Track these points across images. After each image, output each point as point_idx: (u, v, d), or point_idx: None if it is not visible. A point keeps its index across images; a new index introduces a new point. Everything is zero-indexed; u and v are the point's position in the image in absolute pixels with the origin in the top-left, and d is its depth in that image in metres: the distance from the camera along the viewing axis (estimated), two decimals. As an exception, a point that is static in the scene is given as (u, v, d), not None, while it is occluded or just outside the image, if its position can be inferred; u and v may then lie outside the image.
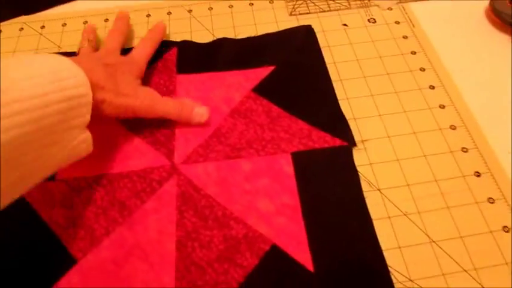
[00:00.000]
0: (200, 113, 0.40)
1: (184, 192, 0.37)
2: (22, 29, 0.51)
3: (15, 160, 0.27)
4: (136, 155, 0.40)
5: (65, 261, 0.34)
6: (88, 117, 0.32)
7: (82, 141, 0.33)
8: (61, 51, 0.49)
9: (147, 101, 0.38)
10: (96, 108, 0.34)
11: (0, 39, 0.50)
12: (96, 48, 0.46)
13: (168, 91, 0.44)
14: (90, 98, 0.32)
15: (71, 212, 0.37)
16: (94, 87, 0.33)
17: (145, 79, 0.45)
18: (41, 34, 0.50)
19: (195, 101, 0.42)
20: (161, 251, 0.34)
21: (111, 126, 0.42)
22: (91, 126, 0.33)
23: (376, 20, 0.50)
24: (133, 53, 0.43)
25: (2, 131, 0.25)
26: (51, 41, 0.50)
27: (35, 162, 0.29)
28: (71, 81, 0.30)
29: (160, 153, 0.40)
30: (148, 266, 0.33)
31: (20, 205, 0.37)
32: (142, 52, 0.43)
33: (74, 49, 0.48)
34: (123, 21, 0.47)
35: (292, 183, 0.37)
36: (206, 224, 0.35)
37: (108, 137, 0.41)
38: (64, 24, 0.51)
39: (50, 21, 0.52)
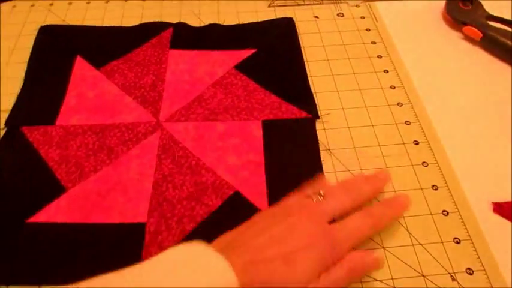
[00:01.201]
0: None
1: (165, 144, 0.43)
2: (33, 5, 0.58)
3: None
4: (127, 110, 0.45)
5: (56, 190, 0.39)
6: None
7: None
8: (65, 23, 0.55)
9: None
10: None
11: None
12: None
13: (160, 62, 0.50)
14: None
15: (66, 152, 0.42)
16: None
17: (141, 52, 0.51)
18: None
19: (180, 77, 0.47)
20: (139, 188, 0.39)
21: (108, 86, 0.48)
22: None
23: (344, 14, 0.58)
24: (343, 232, 0.32)
25: None
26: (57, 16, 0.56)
27: None
28: None
29: (148, 111, 0.45)
30: (126, 199, 0.39)
31: (24, 145, 0.43)
32: (353, 236, 0.32)
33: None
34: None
35: (259, 144, 0.43)
36: (181, 170, 0.41)
37: (104, 94, 0.47)
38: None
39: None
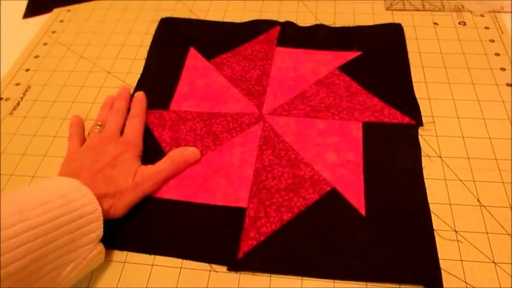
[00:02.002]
0: (191, 150, 0.43)
1: (266, 136, 0.44)
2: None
3: (34, 277, 0.30)
4: (233, 101, 0.48)
5: (166, 169, 0.43)
6: (100, 232, 0.35)
7: (96, 254, 0.35)
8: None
9: (146, 181, 0.40)
10: (107, 215, 0.36)
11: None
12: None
13: (266, 58, 0.52)
14: (99, 213, 0.35)
15: (177, 135, 0.46)
16: (98, 199, 0.35)
17: (249, 47, 0.54)
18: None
19: (284, 73, 0.50)
20: (241, 174, 0.42)
21: (217, 77, 0.51)
22: None
23: (467, 23, 0.55)
24: (128, 136, 0.44)
25: (19, 258, 0.28)
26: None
27: (53, 280, 0.32)
28: (80, 202, 0.34)
29: (252, 103, 0.48)
30: (228, 182, 0.41)
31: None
32: (135, 132, 0.45)
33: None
34: (124, 100, 0.49)
35: (359, 145, 0.43)
36: (280, 162, 0.42)
37: (213, 84, 0.50)
38: None
39: None
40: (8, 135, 0.50)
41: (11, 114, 0.52)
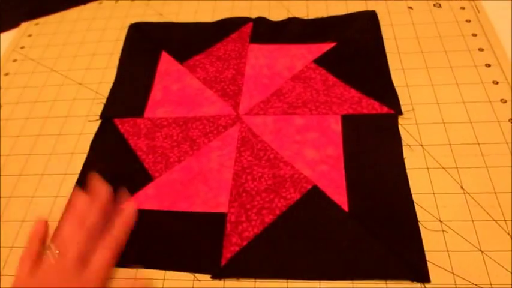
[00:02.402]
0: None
1: (244, 137, 0.43)
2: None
3: None
4: (208, 104, 0.47)
5: (144, 178, 0.42)
6: None
7: None
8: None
9: None
10: None
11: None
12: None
13: (240, 56, 0.51)
14: None
15: (153, 143, 0.45)
16: None
17: (221, 47, 0.53)
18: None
19: (259, 71, 0.48)
20: (220, 179, 0.40)
21: (191, 80, 0.49)
22: None
23: (442, 5, 0.54)
24: (97, 269, 0.32)
25: None
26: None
27: None
28: None
29: (228, 104, 0.47)
30: (208, 188, 0.40)
31: (115, 135, 0.46)
32: (108, 263, 0.33)
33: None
34: (99, 210, 0.34)
35: (338, 138, 0.42)
36: (260, 163, 0.41)
37: (187, 88, 0.49)
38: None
39: None
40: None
41: (-16, 135, 0.50)
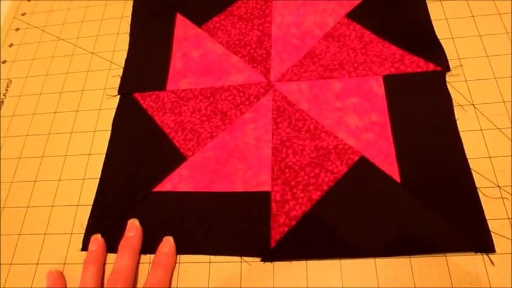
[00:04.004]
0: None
1: (279, 107, 0.39)
2: None
3: None
4: (235, 71, 0.42)
5: (177, 158, 0.38)
6: None
7: None
8: None
9: None
10: None
11: None
12: None
13: (264, 15, 0.45)
14: None
15: (180, 118, 0.40)
16: None
17: (242, 5, 0.46)
18: None
19: (287, 30, 0.42)
20: (258, 154, 0.37)
21: (212, 45, 0.44)
22: None
23: None
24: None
25: None
26: None
27: None
28: None
29: (257, 71, 0.41)
30: (247, 166, 0.36)
31: (138, 111, 0.41)
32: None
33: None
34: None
35: (382, 103, 0.37)
36: (299, 134, 0.37)
37: (209, 54, 0.43)
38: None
39: None
40: (-2, 140, 0.44)
41: (-3, 115, 0.46)
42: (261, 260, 0.32)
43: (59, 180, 0.40)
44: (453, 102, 0.36)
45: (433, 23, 0.41)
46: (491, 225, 0.31)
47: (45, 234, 0.38)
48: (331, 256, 0.32)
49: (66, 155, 0.42)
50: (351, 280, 0.31)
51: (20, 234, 0.38)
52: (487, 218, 0.31)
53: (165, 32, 0.47)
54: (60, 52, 0.50)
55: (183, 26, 0.47)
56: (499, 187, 0.33)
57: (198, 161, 0.37)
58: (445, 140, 0.35)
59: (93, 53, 0.48)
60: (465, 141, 0.35)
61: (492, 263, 0.30)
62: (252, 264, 0.33)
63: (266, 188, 0.35)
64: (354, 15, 0.43)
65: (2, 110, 0.46)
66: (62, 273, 0.35)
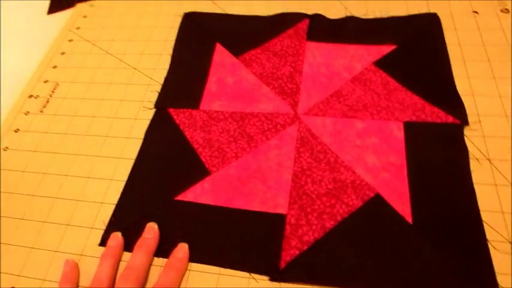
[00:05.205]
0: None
1: (303, 137, 0.40)
2: None
3: None
4: (265, 100, 0.44)
5: (201, 172, 0.39)
6: None
7: None
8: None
9: None
10: None
11: None
12: None
13: (297, 53, 0.47)
14: None
15: (209, 136, 0.42)
16: None
17: (278, 42, 0.49)
18: None
19: (317, 70, 0.45)
20: (279, 178, 0.37)
21: (246, 75, 0.46)
22: None
23: (510, 10, 0.48)
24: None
25: None
26: None
27: None
28: None
29: (286, 102, 0.43)
30: (266, 187, 0.37)
31: (171, 125, 0.43)
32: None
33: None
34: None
35: (401, 146, 0.38)
36: (319, 165, 0.38)
37: (243, 82, 0.46)
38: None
39: None
40: (39, 134, 0.46)
41: (41, 112, 0.48)
42: (269, 279, 0.33)
43: (88, 177, 0.42)
44: (469, 154, 0.37)
45: (455, 79, 0.43)
46: (499, 279, 0.31)
47: (67, 225, 0.39)
48: (338, 284, 0.32)
49: (98, 156, 0.43)
50: (354, 312, 0.31)
51: (44, 222, 0.39)
52: (495, 271, 0.31)
53: (205, 58, 0.49)
54: (106, 64, 0.53)
55: (221, 54, 0.49)
56: (511, 243, 0.33)
57: (220, 177, 0.38)
58: (458, 189, 0.35)
59: (135, 69, 0.51)
60: (479, 194, 0.35)
61: (495, 312, 0.30)
62: (260, 282, 0.33)
63: (282, 210, 0.35)
64: (381, 63, 0.45)
65: (45, 108, 0.49)
66: (77, 263, 0.36)
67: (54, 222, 0.39)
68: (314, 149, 0.39)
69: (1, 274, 0.37)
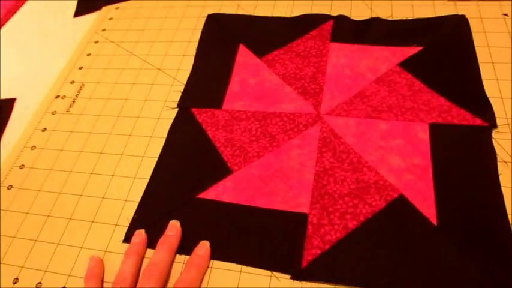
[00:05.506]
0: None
1: (325, 137, 0.41)
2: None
3: None
4: (288, 100, 0.45)
5: (223, 170, 0.41)
6: None
7: None
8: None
9: None
10: None
11: None
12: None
13: (320, 54, 0.49)
14: None
15: (231, 135, 0.43)
16: None
17: (301, 43, 0.50)
18: None
19: (340, 70, 0.46)
20: (300, 178, 0.39)
21: (269, 75, 0.48)
22: None
23: None
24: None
25: None
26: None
27: None
28: None
29: (308, 102, 0.44)
30: (288, 187, 0.38)
31: (193, 125, 0.45)
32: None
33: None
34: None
35: (426, 148, 0.39)
36: (342, 165, 0.39)
37: (265, 83, 0.47)
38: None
39: None
40: (65, 133, 0.49)
41: (68, 112, 0.51)
42: (291, 278, 0.34)
43: (113, 175, 0.44)
44: (497, 157, 0.37)
45: (484, 82, 0.43)
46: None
47: (92, 222, 0.41)
48: (359, 284, 0.32)
49: (122, 154, 0.45)
50: (376, 313, 0.32)
51: (70, 219, 0.41)
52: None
53: (228, 59, 0.51)
54: (131, 65, 0.55)
55: (244, 55, 0.51)
56: (538, 246, 0.33)
57: (242, 176, 0.40)
58: (485, 192, 0.35)
59: (159, 69, 0.54)
60: (506, 197, 0.35)
61: (523, 317, 0.30)
62: (281, 281, 0.34)
63: (304, 210, 0.36)
64: (406, 64, 0.46)
65: (72, 108, 0.52)
66: (101, 259, 0.38)
67: (79, 219, 0.41)
68: (337, 149, 0.40)
69: (29, 270, 0.39)
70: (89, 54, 0.58)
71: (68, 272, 0.38)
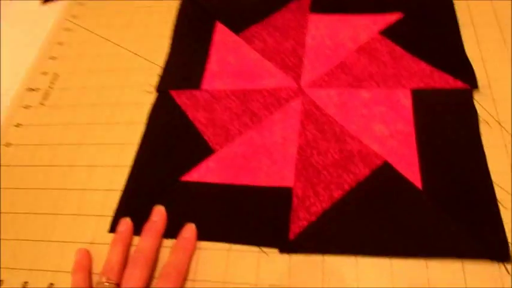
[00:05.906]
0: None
1: (307, 110, 0.42)
2: None
3: None
4: (268, 76, 0.46)
5: (205, 151, 0.42)
6: None
7: None
8: None
9: None
10: None
11: None
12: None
13: (300, 27, 0.49)
14: None
15: (212, 115, 0.44)
16: None
17: (279, 17, 0.51)
18: None
19: (321, 42, 0.47)
20: (284, 152, 0.40)
21: (248, 52, 0.48)
22: None
23: None
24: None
25: None
26: None
27: None
28: None
29: (289, 76, 0.45)
30: (271, 162, 0.39)
31: (173, 107, 0.46)
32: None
33: None
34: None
35: (409, 113, 0.40)
36: (324, 136, 0.40)
37: (245, 60, 0.48)
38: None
39: None
40: (41, 127, 0.49)
41: (42, 104, 0.52)
42: (279, 251, 0.35)
43: (94, 166, 0.44)
44: (479, 118, 0.39)
45: (464, 44, 0.44)
46: (510, 236, 0.33)
47: (76, 215, 0.41)
48: (349, 252, 0.34)
49: (102, 144, 0.46)
50: (366, 280, 0.33)
51: (53, 214, 0.42)
52: (505, 229, 0.33)
53: (205, 37, 0.52)
54: (106, 51, 0.55)
55: (222, 33, 0.52)
56: (521, 201, 0.34)
57: (225, 155, 0.41)
58: (468, 153, 0.37)
59: (136, 54, 0.54)
60: (489, 156, 0.37)
61: (508, 272, 0.31)
62: (270, 255, 0.35)
63: (289, 183, 0.38)
64: (388, 32, 0.47)
65: (46, 101, 0.52)
66: (88, 251, 0.39)
67: (63, 213, 0.42)
68: (319, 120, 0.41)
69: (13, 270, 0.39)
70: (60, 43, 0.58)
71: (55, 269, 0.39)
